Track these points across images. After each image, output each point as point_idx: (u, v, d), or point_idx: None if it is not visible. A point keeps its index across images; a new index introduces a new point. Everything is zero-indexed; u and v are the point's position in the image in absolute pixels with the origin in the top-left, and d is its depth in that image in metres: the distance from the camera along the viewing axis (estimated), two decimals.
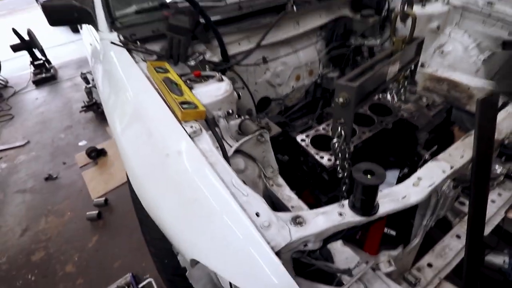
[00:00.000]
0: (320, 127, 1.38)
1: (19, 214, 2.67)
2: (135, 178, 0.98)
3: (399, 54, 1.22)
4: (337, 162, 1.10)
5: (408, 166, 1.52)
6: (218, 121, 1.14)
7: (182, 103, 0.95)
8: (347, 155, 1.08)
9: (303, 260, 0.81)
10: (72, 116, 4.13)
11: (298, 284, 0.85)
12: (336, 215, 0.70)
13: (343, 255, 0.94)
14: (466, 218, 1.21)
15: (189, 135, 0.88)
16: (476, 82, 1.65)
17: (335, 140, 1.02)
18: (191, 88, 1.13)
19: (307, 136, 1.34)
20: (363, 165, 0.65)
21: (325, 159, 1.23)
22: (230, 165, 0.93)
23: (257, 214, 0.70)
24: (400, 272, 1.09)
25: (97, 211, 2.45)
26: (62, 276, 2.10)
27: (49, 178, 3.01)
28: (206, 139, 0.89)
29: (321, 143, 1.34)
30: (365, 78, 0.98)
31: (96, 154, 3.08)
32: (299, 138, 1.34)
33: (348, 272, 0.84)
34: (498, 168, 1.20)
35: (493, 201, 1.26)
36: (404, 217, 1.56)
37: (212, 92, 1.14)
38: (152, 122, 0.95)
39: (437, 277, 1.12)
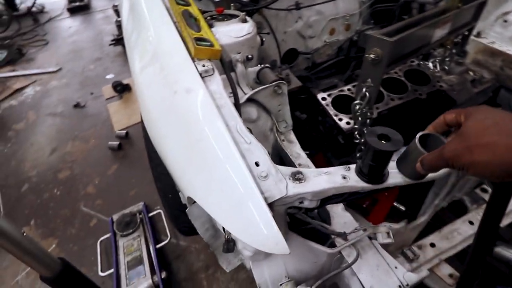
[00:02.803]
0: (345, 88, 1.28)
1: (49, 135, 2.86)
2: (145, 112, 0.97)
3: (452, 14, 1.05)
4: (356, 126, 1.03)
5: None
6: (236, 65, 1.08)
7: (197, 39, 0.89)
8: (367, 121, 1.00)
9: (298, 217, 0.80)
10: (102, 48, 4.16)
11: (289, 239, 0.86)
12: (339, 177, 0.66)
13: (342, 219, 0.92)
14: (484, 206, 1.13)
15: (200, 74, 0.83)
16: None
17: (357, 101, 0.94)
18: (210, 26, 1.05)
19: (329, 95, 1.25)
20: (379, 129, 0.58)
21: (344, 121, 1.15)
22: (240, 111, 0.90)
23: (257, 164, 0.68)
24: (400, 246, 1.07)
25: (118, 142, 2.58)
26: (83, 195, 2.30)
27: (77, 105, 3.15)
28: (217, 80, 0.84)
29: (343, 105, 1.25)
30: (405, 34, 0.85)
31: (122, 89, 3.15)
32: (320, 96, 1.25)
33: (343, 235, 0.83)
34: None
35: None
36: (418, 194, 1.50)
37: (232, 32, 1.05)
38: (164, 57, 0.91)
39: (438, 258, 1.10)
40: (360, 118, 1.00)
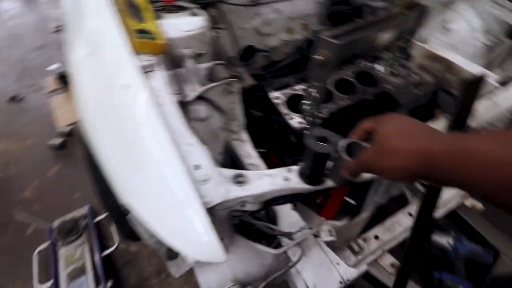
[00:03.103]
0: (298, 87, 1.29)
1: None
2: (81, 107, 0.88)
3: (397, 20, 1.10)
4: (307, 126, 1.03)
5: None
6: (185, 60, 1.02)
7: (139, 31, 0.82)
8: (317, 120, 1.01)
9: (243, 219, 0.78)
10: (46, 35, 3.77)
11: (235, 242, 0.84)
12: (281, 179, 0.65)
13: (289, 218, 0.92)
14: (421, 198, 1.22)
15: (141, 69, 0.77)
16: (474, 68, 1.56)
17: (305, 101, 0.94)
18: (158, 17, 0.98)
19: (283, 94, 1.25)
20: (318, 131, 0.58)
21: (295, 120, 1.16)
22: (186, 110, 0.85)
23: (197, 167, 0.64)
24: (346, 239, 1.11)
25: (60, 140, 2.35)
26: (20, 199, 2.07)
27: (14, 99, 2.82)
28: (160, 77, 0.79)
29: (297, 104, 1.26)
30: (353, 38, 0.87)
31: (67, 81, 2.88)
32: (272, 94, 1.24)
33: (288, 235, 0.83)
34: None
35: None
36: (367, 189, 1.58)
37: (182, 26, 1.00)
38: (104, 49, 0.82)
39: (381, 249, 1.16)
40: (310, 118, 1.00)
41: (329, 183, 0.65)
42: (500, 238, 1.24)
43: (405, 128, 0.49)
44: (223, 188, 0.62)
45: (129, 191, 0.67)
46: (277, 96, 1.24)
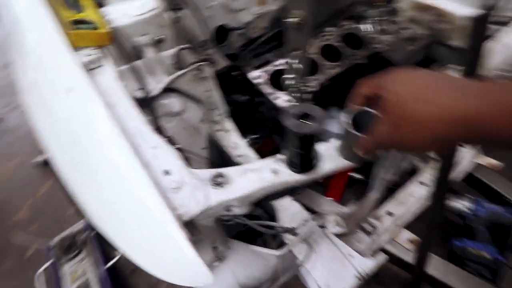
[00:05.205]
0: (279, 62, 1.16)
1: None
2: (31, 121, 0.76)
3: None
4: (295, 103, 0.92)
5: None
6: (143, 50, 0.89)
7: (77, 22, 0.69)
8: (305, 95, 0.89)
9: (235, 221, 0.68)
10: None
11: (232, 247, 0.75)
12: (268, 173, 0.54)
13: (290, 210, 0.82)
14: (432, 164, 1.11)
15: (84, 66, 0.64)
16: (466, 12, 1.42)
17: (287, 75, 0.82)
18: (101, 5, 0.84)
19: (264, 71, 1.12)
20: (296, 108, 0.47)
21: (282, 100, 1.04)
22: (151, 106, 0.73)
23: (166, 172, 0.53)
24: (356, 224, 1.02)
25: (45, 156, 2.24)
26: (14, 223, 1.99)
27: None
28: (108, 72, 0.66)
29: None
30: None
31: None
32: (252, 74, 1.11)
33: (291, 231, 0.73)
34: None
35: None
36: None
37: (131, 10, 0.86)
38: (39, 49, 0.69)
39: (396, 225, 1.06)
40: (297, 94, 0.88)
41: (327, 166, 0.54)
42: None
43: (424, 86, 0.37)
44: (200, 194, 0.51)
45: (93, 211, 0.56)
46: (258, 75, 1.11)
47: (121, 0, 0.88)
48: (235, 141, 0.96)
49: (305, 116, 0.47)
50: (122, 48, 0.80)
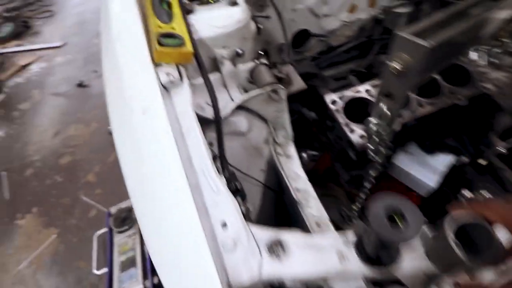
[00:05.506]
0: (361, 88, 1.03)
1: (52, 117, 2.79)
2: (112, 128, 0.79)
3: None
4: (371, 146, 0.81)
5: (469, 155, 1.15)
6: (221, 63, 0.86)
7: (163, 35, 0.68)
8: (387, 140, 0.78)
9: None
10: None
11: None
12: (333, 254, 0.46)
13: None
14: None
15: (162, 85, 0.63)
16: None
17: (373, 119, 0.71)
18: (189, 12, 0.82)
19: (340, 97, 1.01)
20: (385, 201, 0.38)
21: (357, 134, 0.93)
22: (220, 128, 0.70)
23: (224, 225, 0.50)
24: None
25: None
26: (84, 183, 2.25)
27: (80, 85, 3.03)
28: (185, 94, 0.64)
29: (359, 109, 1.01)
30: (449, 33, 0.60)
31: None
32: (328, 98, 1.01)
33: None
34: None
35: None
36: (445, 203, 1.29)
37: (217, 20, 0.82)
38: (122, 60, 0.70)
39: None
40: (377, 137, 0.77)
41: (406, 265, 0.45)
42: None
43: None
44: (254, 261, 0.47)
45: (145, 234, 0.57)
46: (334, 100, 1.01)
47: (208, 8, 0.85)
48: (296, 172, 0.90)
49: (396, 215, 0.38)
50: (198, 60, 0.78)
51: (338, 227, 1.16)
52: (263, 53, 1.05)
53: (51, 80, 3.19)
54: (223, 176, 0.65)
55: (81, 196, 2.16)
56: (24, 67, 3.40)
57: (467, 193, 1.13)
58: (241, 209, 0.63)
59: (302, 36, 1.54)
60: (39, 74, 3.31)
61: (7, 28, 3.89)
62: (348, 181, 1.12)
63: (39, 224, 2.05)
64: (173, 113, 0.61)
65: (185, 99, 0.63)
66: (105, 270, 1.62)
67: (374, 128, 0.72)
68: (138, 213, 0.60)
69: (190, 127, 0.59)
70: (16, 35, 3.87)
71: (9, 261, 1.88)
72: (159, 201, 0.54)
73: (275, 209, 1.05)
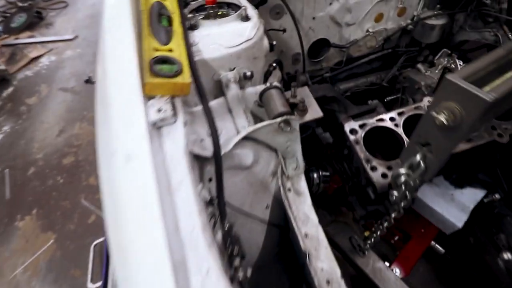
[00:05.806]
0: (386, 116, 0.90)
1: (58, 114, 2.74)
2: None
3: None
4: (395, 192, 0.68)
5: (501, 192, 1.02)
6: (227, 86, 0.75)
7: (157, 60, 0.57)
8: (415, 189, 0.66)
9: None
10: None
11: None
12: None
13: None
14: None
15: (153, 123, 0.53)
16: None
17: (403, 170, 0.59)
18: (193, 27, 0.71)
19: (361, 126, 0.89)
20: None
21: (378, 172, 0.80)
22: (220, 167, 0.59)
23: None
24: None
25: None
26: (85, 186, 2.19)
27: (88, 81, 2.95)
28: (178, 136, 0.53)
29: (381, 141, 0.89)
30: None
31: None
32: (348, 126, 0.89)
33: None
34: None
35: None
36: (462, 233, 1.16)
37: (224, 38, 0.71)
38: (109, 89, 0.59)
39: None
40: (404, 187, 0.65)
41: None
42: None
43: None
44: None
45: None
46: (354, 130, 0.88)
47: (216, 24, 0.74)
48: (306, 213, 0.78)
49: None
50: (198, 87, 0.67)
51: (347, 257, 1.05)
52: (276, 65, 0.94)
53: (60, 75, 3.15)
54: (220, 233, 0.55)
55: (82, 199, 2.10)
56: (35, 59, 3.36)
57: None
58: (238, 276, 0.53)
59: (320, 46, 1.42)
60: (48, 67, 3.26)
61: (21, 19, 3.86)
62: (364, 217, 1.00)
63: (38, 227, 2.00)
64: (162, 161, 0.50)
65: (178, 143, 0.52)
66: (99, 284, 1.56)
67: (403, 179, 0.60)
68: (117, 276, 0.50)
69: (181, 181, 0.48)
70: (28, 26, 3.83)
71: (5, 265, 1.84)
72: (137, 265, 0.44)
73: (280, 247, 0.94)
